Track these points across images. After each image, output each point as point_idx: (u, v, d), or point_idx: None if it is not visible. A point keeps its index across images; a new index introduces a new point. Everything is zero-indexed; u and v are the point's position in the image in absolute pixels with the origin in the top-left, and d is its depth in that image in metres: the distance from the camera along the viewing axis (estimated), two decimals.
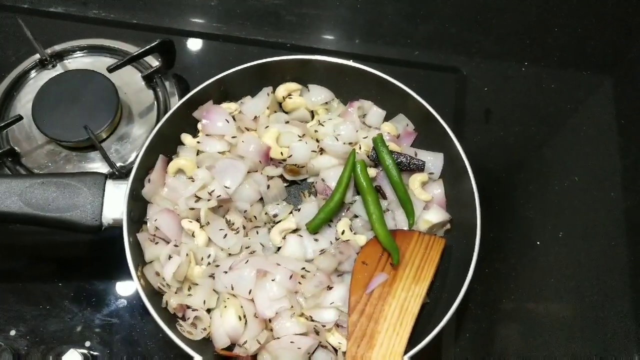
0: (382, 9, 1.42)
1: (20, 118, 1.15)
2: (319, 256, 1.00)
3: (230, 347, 0.97)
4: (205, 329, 0.96)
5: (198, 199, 1.02)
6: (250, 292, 0.96)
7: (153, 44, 1.16)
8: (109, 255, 1.08)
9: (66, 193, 0.96)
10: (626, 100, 1.31)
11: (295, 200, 1.13)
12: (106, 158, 1.12)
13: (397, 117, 1.16)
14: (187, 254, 0.97)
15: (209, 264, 0.99)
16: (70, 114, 1.14)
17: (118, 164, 1.15)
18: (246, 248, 1.02)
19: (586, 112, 1.30)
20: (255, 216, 1.06)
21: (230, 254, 1.01)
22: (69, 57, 1.27)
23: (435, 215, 1.06)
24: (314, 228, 1.02)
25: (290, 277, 0.95)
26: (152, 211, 1.04)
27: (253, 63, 1.11)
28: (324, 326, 0.97)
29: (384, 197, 1.08)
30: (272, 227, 1.04)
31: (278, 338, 0.95)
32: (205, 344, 0.97)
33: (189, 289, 0.98)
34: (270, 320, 0.96)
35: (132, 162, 1.09)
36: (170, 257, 0.97)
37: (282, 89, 1.16)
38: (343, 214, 1.07)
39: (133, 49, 1.24)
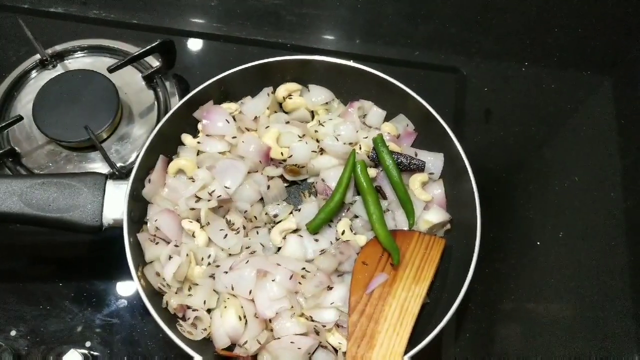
0: (382, 9, 1.42)
1: (20, 118, 1.15)
2: (319, 256, 1.00)
3: (231, 347, 0.97)
4: (205, 329, 0.96)
5: (198, 199, 1.02)
6: (250, 292, 0.96)
7: (153, 44, 1.16)
8: (110, 256, 1.08)
9: (66, 193, 0.96)
10: (626, 100, 1.31)
11: (296, 200, 1.13)
12: (106, 158, 1.12)
13: (397, 117, 1.16)
14: (187, 254, 0.97)
15: (209, 264, 0.99)
16: (71, 114, 1.14)
17: (118, 164, 1.15)
18: (246, 248, 1.02)
19: (586, 112, 1.30)
20: (255, 216, 1.06)
21: (230, 254, 1.01)
22: (69, 57, 1.27)
23: (435, 216, 1.06)
24: (314, 228, 1.02)
25: (291, 277, 0.95)
26: (152, 211, 1.04)
27: (253, 63, 1.11)
28: (324, 326, 0.97)
29: (384, 197, 1.08)
30: (273, 227, 1.04)
31: (278, 338, 0.95)
32: (205, 344, 0.97)
33: (189, 289, 0.98)
34: (270, 321, 0.96)
35: (133, 163, 1.09)
36: (170, 257, 0.97)
37: (283, 89, 1.16)
38: (343, 214, 1.07)
39: (133, 49, 1.24)
